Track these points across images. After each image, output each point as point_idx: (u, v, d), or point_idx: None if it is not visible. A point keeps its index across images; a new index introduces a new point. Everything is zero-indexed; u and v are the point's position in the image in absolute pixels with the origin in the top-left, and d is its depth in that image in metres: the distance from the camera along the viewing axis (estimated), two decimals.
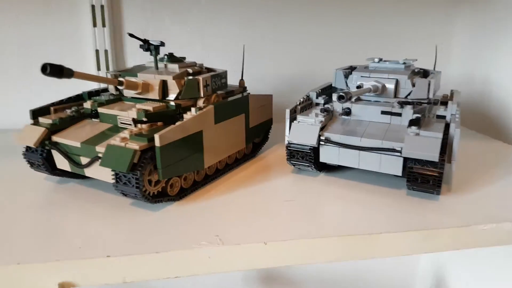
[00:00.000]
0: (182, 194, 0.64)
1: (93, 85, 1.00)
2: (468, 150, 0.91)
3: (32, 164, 0.67)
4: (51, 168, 0.66)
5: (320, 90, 0.82)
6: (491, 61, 1.09)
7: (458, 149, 0.62)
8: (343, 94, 0.60)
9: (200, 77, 0.69)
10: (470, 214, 0.60)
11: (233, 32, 1.11)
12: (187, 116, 0.63)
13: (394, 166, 0.65)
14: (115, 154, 0.55)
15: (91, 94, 0.75)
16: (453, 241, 0.56)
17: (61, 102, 0.71)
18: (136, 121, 0.61)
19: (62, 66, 0.50)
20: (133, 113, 0.62)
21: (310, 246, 0.52)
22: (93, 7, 1.00)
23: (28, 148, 0.66)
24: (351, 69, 0.84)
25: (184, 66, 0.73)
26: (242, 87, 0.84)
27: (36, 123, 0.65)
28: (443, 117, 0.70)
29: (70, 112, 0.68)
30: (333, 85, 0.83)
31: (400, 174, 0.65)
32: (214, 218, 0.58)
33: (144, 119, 0.61)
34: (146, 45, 0.71)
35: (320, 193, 0.68)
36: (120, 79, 0.65)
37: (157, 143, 0.56)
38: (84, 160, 0.61)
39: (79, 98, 0.75)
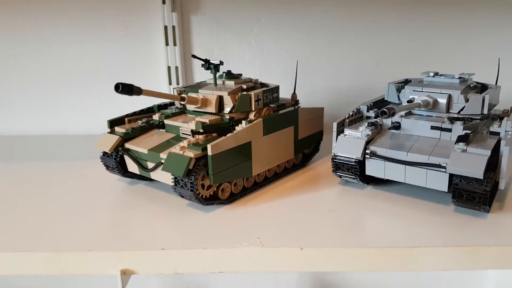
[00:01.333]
0: (232, 198, 0.71)
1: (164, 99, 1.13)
2: None
3: (107, 167, 0.78)
4: (123, 170, 0.77)
5: (371, 104, 0.84)
6: None
7: (508, 167, 0.60)
8: (385, 109, 0.62)
9: (252, 93, 0.75)
10: None
11: (291, 46, 1.16)
12: (238, 128, 0.70)
13: (440, 182, 0.65)
14: (174, 160, 0.63)
15: (160, 107, 0.86)
16: (496, 260, 0.55)
17: (134, 113, 0.82)
18: (194, 132, 0.69)
19: (132, 85, 0.60)
20: (192, 125, 0.71)
21: (343, 254, 0.55)
22: (165, 28, 1.13)
23: (104, 153, 0.77)
24: (406, 82, 0.84)
25: (239, 82, 0.80)
26: (294, 100, 0.89)
27: (112, 131, 0.76)
28: (497, 133, 0.68)
29: (141, 123, 0.78)
30: (385, 98, 0.84)
31: (446, 190, 0.65)
32: (258, 223, 0.63)
33: (201, 130, 0.69)
34: (207, 64, 0.79)
35: (364, 206, 0.70)
36: (183, 95, 0.74)
37: (209, 152, 0.63)
38: (150, 164, 0.71)
39: (150, 110, 0.85)
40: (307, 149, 0.89)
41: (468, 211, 0.65)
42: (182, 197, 0.67)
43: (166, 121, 0.76)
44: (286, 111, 0.80)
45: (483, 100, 0.70)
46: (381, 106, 0.84)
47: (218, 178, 0.65)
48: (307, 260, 0.55)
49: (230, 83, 0.79)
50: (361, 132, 0.73)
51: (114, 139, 0.73)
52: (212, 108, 0.75)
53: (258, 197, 0.73)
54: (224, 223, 0.63)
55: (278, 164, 0.80)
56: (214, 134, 0.70)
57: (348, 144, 0.72)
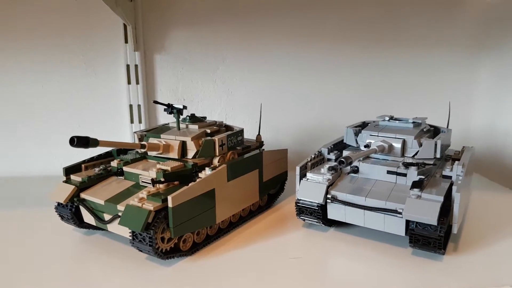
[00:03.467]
0: (194, 249, 0.69)
1: (126, 139, 1.10)
2: (487, 203, 0.90)
3: (62, 217, 0.74)
4: (79, 221, 0.73)
5: (332, 146, 0.86)
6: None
7: (460, 212, 0.63)
8: (343, 159, 0.64)
9: (216, 138, 0.75)
10: (470, 276, 0.60)
11: (256, 85, 1.19)
12: (201, 175, 0.69)
13: (397, 226, 0.66)
14: (132, 214, 0.61)
15: (119, 152, 0.84)
16: None
17: (92, 159, 0.80)
18: (154, 181, 0.67)
19: (88, 137, 0.58)
20: (153, 173, 0.69)
21: None
22: (127, 66, 1.12)
23: (59, 203, 0.74)
24: (363, 125, 0.87)
25: (203, 126, 0.79)
26: (259, 142, 0.90)
27: (68, 180, 0.73)
28: (449, 177, 0.71)
29: (98, 170, 0.75)
30: (344, 141, 0.86)
31: (403, 234, 0.67)
32: (221, 276, 0.62)
33: (162, 179, 0.67)
34: (170, 109, 0.79)
35: (327, 250, 0.70)
36: (143, 143, 0.73)
37: (169, 204, 0.61)
38: (107, 216, 0.68)
39: (108, 155, 0.83)
40: (272, 189, 0.89)
41: (425, 254, 0.67)
42: (141, 251, 0.64)
43: (125, 168, 0.74)
44: (250, 155, 0.80)
45: (436, 145, 0.73)
46: (340, 148, 0.87)
47: (179, 231, 0.64)
48: None
49: (194, 127, 0.79)
50: (322, 176, 0.74)
51: (69, 189, 0.70)
52: (174, 154, 0.74)
53: (222, 245, 0.72)
54: (184, 279, 0.61)
55: (243, 208, 0.80)
56: (176, 183, 0.69)
57: (310, 189, 0.73)
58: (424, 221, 0.62)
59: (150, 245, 0.60)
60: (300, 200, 0.75)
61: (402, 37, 1.17)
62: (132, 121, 1.15)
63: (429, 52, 1.19)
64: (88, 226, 0.74)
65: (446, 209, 0.64)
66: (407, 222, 0.66)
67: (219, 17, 1.13)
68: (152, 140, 0.75)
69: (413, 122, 0.81)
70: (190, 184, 0.65)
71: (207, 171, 0.70)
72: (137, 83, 1.13)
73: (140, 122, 1.16)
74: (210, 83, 1.18)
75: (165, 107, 0.79)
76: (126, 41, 1.09)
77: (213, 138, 0.75)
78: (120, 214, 0.63)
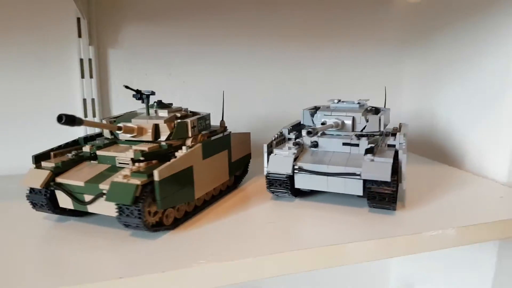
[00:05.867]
0: (176, 223, 0.73)
1: (80, 133, 1.10)
2: (420, 173, 1.06)
3: (35, 205, 0.73)
4: (53, 207, 0.72)
5: (291, 127, 0.95)
6: (436, 98, 1.27)
7: (406, 171, 0.75)
8: (310, 130, 0.73)
9: (188, 120, 0.79)
10: (420, 224, 0.72)
11: (210, 77, 1.24)
12: (179, 153, 0.73)
13: (356, 187, 0.77)
14: (119, 189, 0.63)
15: (86, 139, 0.84)
16: (407, 247, 0.67)
17: (59, 147, 0.79)
18: (134, 160, 0.70)
19: (74, 116, 0.59)
20: (131, 154, 0.71)
21: (289, 258, 0.62)
22: (81, 60, 1.10)
23: (31, 190, 0.72)
24: (316, 109, 0.98)
25: (172, 111, 0.83)
26: (223, 127, 0.95)
27: (39, 167, 0.72)
28: (393, 145, 0.84)
29: (70, 155, 0.75)
30: (301, 122, 0.96)
31: (361, 194, 0.77)
32: (207, 242, 0.66)
33: (141, 158, 0.70)
34: (139, 95, 0.81)
35: (296, 215, 0.78)
36: (119, 125, 0.74)
37: (156, 178, 0.65)
38: (87, 197, 0.68)
39: (75, 143, 0.83)
40: (238, 171, 0.96)
41: (380, 211, 0.78)
42: (127, 226, 0.66)
43: (100, 152, 0.75)
44: (220, 136, 0.85)
45: (380, 119, 0.86)
46: (298, 129, 0.96)
47: (165, 203, 0.67)
48: (260, 268, 0.60)
49: (163, 112, 0.82)
50: (288, 151, 0.82)
51: (44, 174, 0.69)
52: (148, 137, 0.77)
53: (201, 219, 0.76)
54: (174, 247, 0.64)
55: (216, 186, 0.85)
56: (154, 161, 0.72)
57: (279, 162, 0.81)
58: (379, 178, 0.73)
59: (139, 217, 0.63)
60: (270, 173, 0.82)
61: (340, 35, 1.32)
62: (86, 115, 1.13)
63: (365, 48, 1.35)
64: (62, 212, 0.74)
65: (394, 171, 0.76)
66: (364, 182, 0.76)
67: (172, 11, 1.17)
68: (126, 124, 0.77)
69: (358, 103, 0.93)
70: (172, 160, 0.69)
71: (185, 150, 0.74)
72: (91, 77, 1.12)
73: (94, 116, 1.14)
74: (164, 76, 1.20)
75: (134, 93, 0.82)
76: (79, 35, 1.08)
77: (185, 120, 0.79)
78: (104, 191, 0.65)
